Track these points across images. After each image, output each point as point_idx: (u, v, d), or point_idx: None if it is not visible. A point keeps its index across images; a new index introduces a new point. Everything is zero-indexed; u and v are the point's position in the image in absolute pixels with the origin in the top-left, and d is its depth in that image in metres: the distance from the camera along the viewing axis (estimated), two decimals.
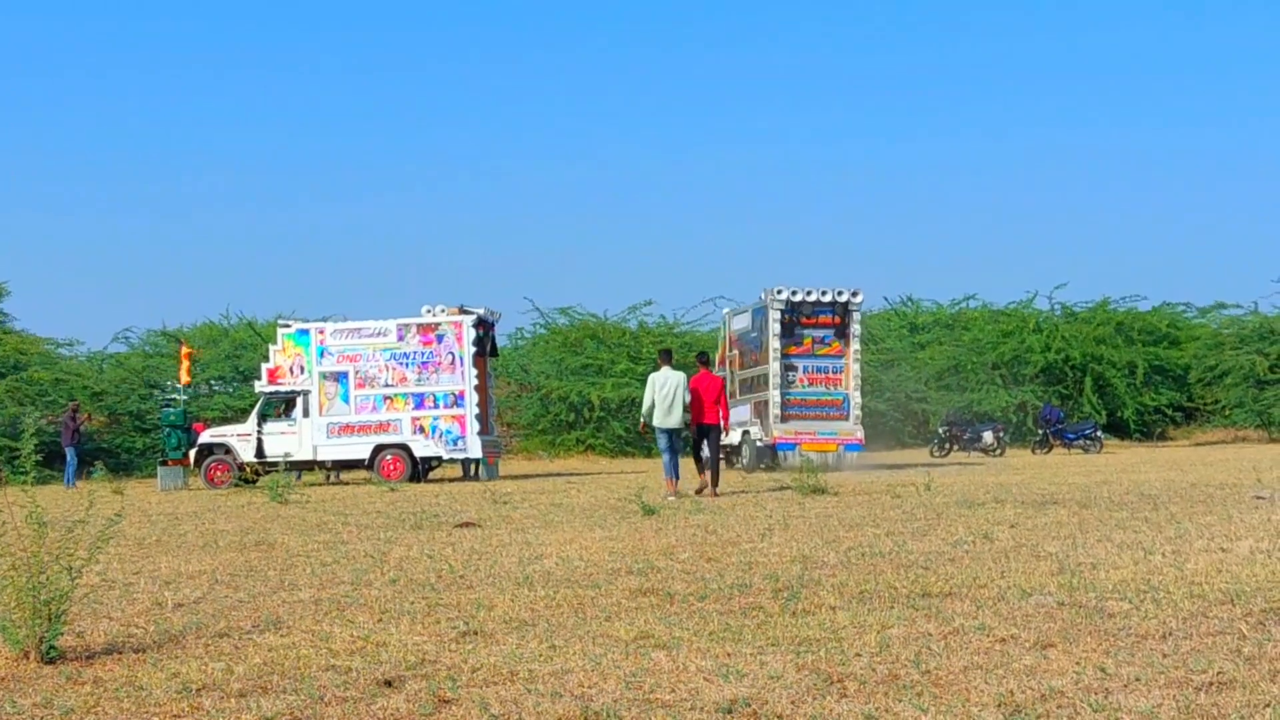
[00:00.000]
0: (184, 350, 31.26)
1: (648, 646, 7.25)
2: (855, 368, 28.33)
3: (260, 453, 27.21)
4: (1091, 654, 6.76)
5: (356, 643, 7.61)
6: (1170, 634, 7.20)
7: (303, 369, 27.41)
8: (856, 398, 28.30)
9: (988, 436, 36.24)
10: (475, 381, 27.29)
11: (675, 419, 19.12)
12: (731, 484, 21.82)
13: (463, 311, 27.67)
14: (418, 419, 27.22)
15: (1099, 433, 38.11)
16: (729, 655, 6.95)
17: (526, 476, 29.38)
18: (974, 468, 27.96)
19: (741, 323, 29.88)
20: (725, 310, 31.61)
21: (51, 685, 6.74)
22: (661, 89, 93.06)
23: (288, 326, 28.12)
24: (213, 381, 39.99)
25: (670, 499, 18.07)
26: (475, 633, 7.82)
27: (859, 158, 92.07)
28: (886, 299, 52.24)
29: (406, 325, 27.49)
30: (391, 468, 26.95)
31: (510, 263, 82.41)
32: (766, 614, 8.12)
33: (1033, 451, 38.03)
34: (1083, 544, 11.19)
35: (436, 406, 27.25)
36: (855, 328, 28.33)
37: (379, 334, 27.47)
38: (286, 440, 27.24)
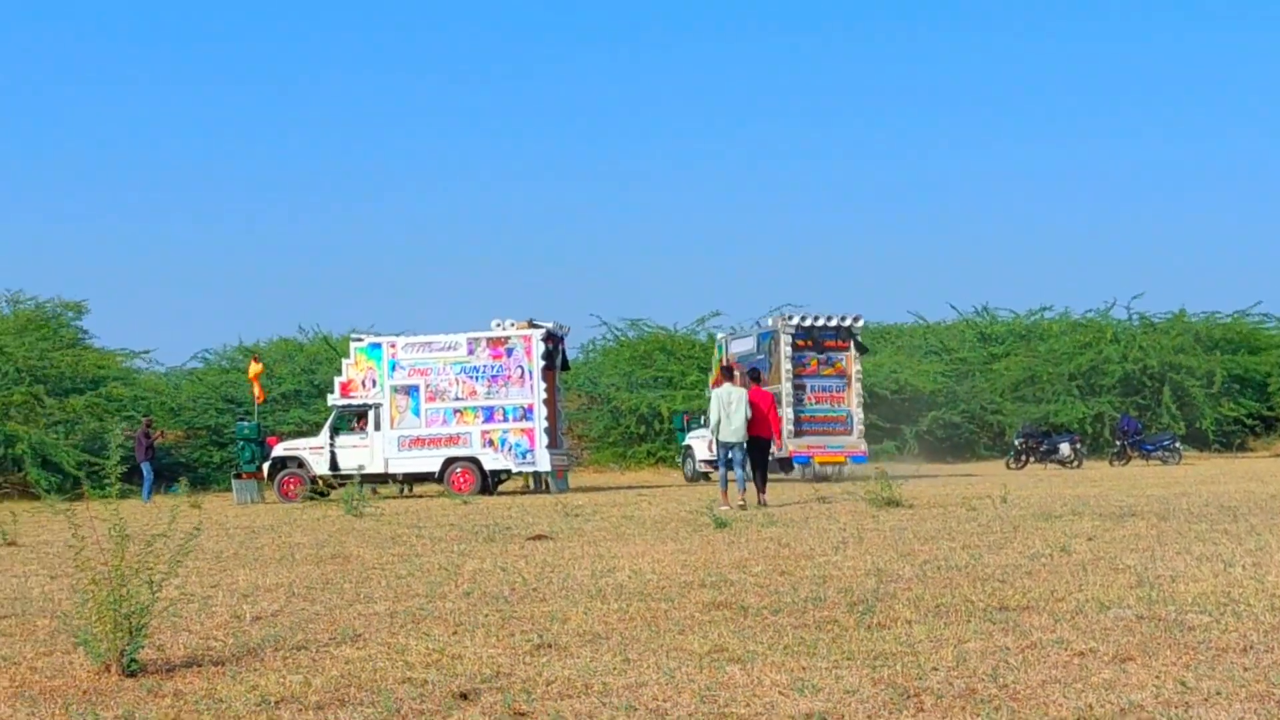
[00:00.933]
0: (251, 371, 31.53)
1: (722, 660, 7.24)
2: (857, 386, 30.90)
3: (333, 466, 27.44)
4: (1171, 668, 6.68)
5: (432, 655, 7.66)
6: (1251, 647, 7.10)
7: (374, 383, 27.64)
8: (859, 414, 30.84)
9: (1064, 448, 35.90)
10: (544, 395, 27.37)
11: (739, 433, 19.32)
12: (803, 495, 21.73)
13: (532, 325, 27.77)
14: (487, 432, 27.33)
15: (1177, 444, 37.60)
16: (804, 669, 6.93)
17: (597, 489, 29.43)
18: (1051, 480, 27.73)
19: (743, 346, 31.65)
20: (720, 334, 33.87)
21: (133, 698, 6.83)
22: (730, 98, 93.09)
23: (360, 341, 28.39)
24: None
25: (724, 509, 18.12)
26: (549, 645, 7.84)
27: (933, 167, 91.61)
28: (956, 308, 51.87)
29: (476, 339, 27.63)
30: (461, 480, 27.10)
31: (580, 277, 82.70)
32: (841, 628, 8.08)
33: (1110, 463, 37.62)
34: (1161, 556, 11.06)
35: (506, 420, 27.35)
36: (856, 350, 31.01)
37: (449, 348, 27.65)
38: (359, 453, 27.46)
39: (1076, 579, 9.79)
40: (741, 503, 18.99)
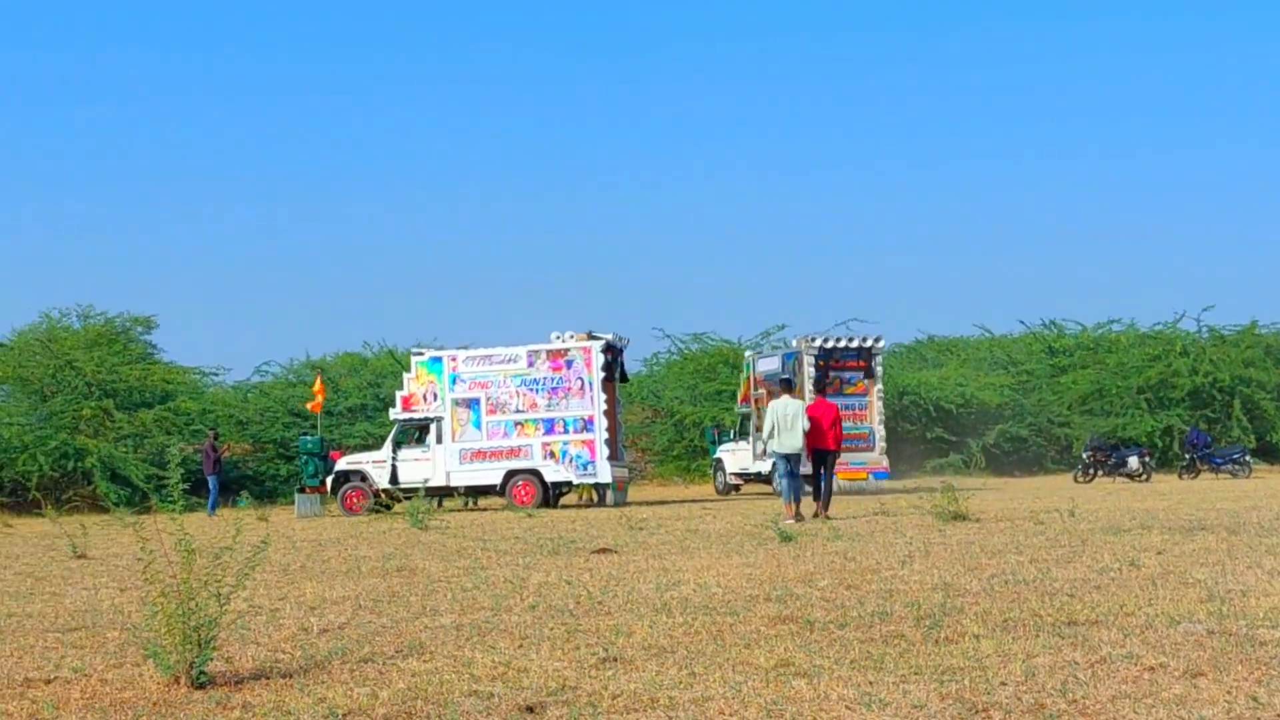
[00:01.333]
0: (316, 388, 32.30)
1: (788, 674, 7.21)
2: (879, 404, 31.96)
3: (395, 479, 27.60)
4: (1242, 683, 6.60)
5: (498, 668, 7.67)
6: None
7: (436, 396, 27.79)
8: (880, 431, 31.93)
9: (1133, 461, 35.59)
10: (604, 406, 27.42)
11: (796, 444, 19.31)
12: (868, 509, 21.64)
13: (591, 337, 27.83)
14: (548, 444, 27.42)
15: (1247, 457, 37.18)
16: (871, 684, 6.89)
17: (662, 503, 29.43)
18: (1119, 493, 27.47)
19: (769, 365, 32.64)
20: (748, 353, 35.27)
21: (202, 710, 6.89)
22: (797, 110, 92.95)
23: (421, 355, 28.57)
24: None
25: (788, 523, 18.03)
26: (615, 659, 7.84)
27: (999, 179, 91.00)
28: (1024, 322, 51.47)
29: (536, 352, 27.73)
30: (523, 493, 27.19)
31: (642, 290, 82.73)
32: (908, 642, 8.04)
33: (1179, 476, 37.21)
34: (1232, 571, 10.93)
35: (566, 432, 27.42)
36: (878, 369, 32.10)
37: (509, 360, 27.76)
38: (421, 467, 27.61)
39: (1146, 593, 9.69)
40: (791, 517, 18.90)
